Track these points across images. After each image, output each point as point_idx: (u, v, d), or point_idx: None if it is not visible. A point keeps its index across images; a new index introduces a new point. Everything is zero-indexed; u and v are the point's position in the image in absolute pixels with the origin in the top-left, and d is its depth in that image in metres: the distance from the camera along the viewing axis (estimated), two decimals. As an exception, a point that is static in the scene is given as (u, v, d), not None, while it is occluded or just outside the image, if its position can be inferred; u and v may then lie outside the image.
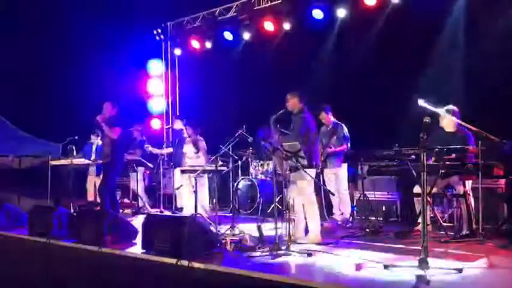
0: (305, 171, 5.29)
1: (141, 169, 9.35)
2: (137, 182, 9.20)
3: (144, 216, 5.68)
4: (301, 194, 5.61)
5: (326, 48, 9.16)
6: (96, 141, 9.40)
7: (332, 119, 7.35)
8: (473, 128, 5.59)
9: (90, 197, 9.45)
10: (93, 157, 9.23)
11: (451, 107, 5.93)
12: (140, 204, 9.13)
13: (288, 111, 5.84)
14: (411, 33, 7.92)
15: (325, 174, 7.32)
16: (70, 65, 12.05)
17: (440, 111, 5.57)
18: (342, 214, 7.20)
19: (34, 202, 8.77)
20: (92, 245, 5.43)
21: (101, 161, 7.61)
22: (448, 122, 5.95)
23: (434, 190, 5.75)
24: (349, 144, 7.22)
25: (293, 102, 5.83)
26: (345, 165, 7.23)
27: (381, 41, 8.37)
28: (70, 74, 12.11)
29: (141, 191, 9.36)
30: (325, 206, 7.87)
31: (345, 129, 7.25)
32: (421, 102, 4.86)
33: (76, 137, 9.04)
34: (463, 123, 5.72)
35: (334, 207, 7.39)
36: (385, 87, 8.11)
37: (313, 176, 5.68)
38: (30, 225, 6.62)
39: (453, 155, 5.58)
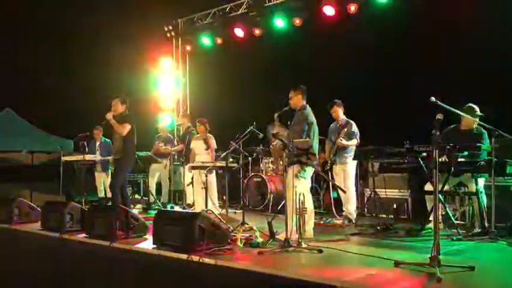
0: (316, 168, 5.27)
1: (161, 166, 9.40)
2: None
3: (155, 211, 5.71)
4: (305, 190, 5.57)
5: (337, 44, 9.11)
6: (98, 137, 9.44)
7: (342, 115, 7.30)
8: (487, 126, 5.55)
9: (100, 193, 9.54)
10: (97, 154, 9.28)
11: (472, 105, 5.88)
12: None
13: (291, 108, 5.82)
14: (423, 29, 7.86)
15: (334, 170, 7.27)
16: (80, 61, 12.15)
17: (460, 112, 5.49)
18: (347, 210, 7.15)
19: (46, 197, 8.87)
20: (104, 240, 5.47)
21: (112, 157, 7.64)
22: (468, 121, 5.90)
23: (446, 188, 5.71)
24: (358, 139, 7.15)
25: (296, 100, 5.82)
26: (354, 162, 7.17)
27: (393, 37, 8.32)
28: (80, 70, 12.21)
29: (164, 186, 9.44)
30: (334, 203, 7.87)
31: (355, 126, 7.19)
32: (432, 99, 4.82)
33: (87, 133, 9.11)
34: (481, 123, 5.69)
35: (344, 204, 7.35)
36: (396, 83, 8.07)
37: (311, 173, 5.68)
38: (42, 220, 6.71)
39: (466, 153, 5.53)
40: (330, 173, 7.37)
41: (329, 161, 7.21)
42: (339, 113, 7.25)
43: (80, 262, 5.67)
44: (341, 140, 7.02)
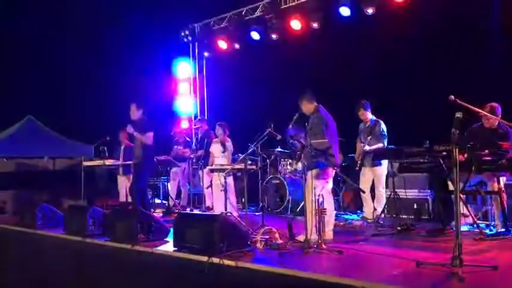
0: (335, 169, 5.26)
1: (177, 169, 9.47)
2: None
3: (176, 214, 5.77)
4: (326, 191, 5.56)
5: (354, 46, 9.06)
6: (124, 140, 9.49)
7: (370, 116, 7.26)
8: (508, 123, 5.48)
9: (122, 197, 9.62)
10: (121, 158, 9.36)
11: (492, 104, 5.81)
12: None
13: (304, 113, 5.86)
14: (442, 27, 7.78)
15: (362, 171, 7.23)
16: (98, 67, 12.33)
17: (481, 111, 5.42)
18: (375, 210, 7.11)
19: (69, 202, 9.01)
20: (125, 243, 5.55)
21: (133, 162, 7.72)
22: (489, 119, 5.83)
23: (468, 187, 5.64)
24: (385, 142, 7.09)
25: (306, 106, 5.86)
26: (384, 163, 7.07)
27: (410, 36, 8.24)
28: (99, 76, 12.39)
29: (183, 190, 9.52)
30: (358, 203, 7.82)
31: (383, 126, 7.14)
32: (451, 98, 4.77)
33: (108, 138, 9.19)
34: (503, 121, 5.62)
35: (364, 205, 7.31)
36: (415, 82, 8.00)
37: (332, 174, 5.68)
38: (65, 224, 6.82)
39: (486, 151, 5.46)
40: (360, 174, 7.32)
41: (358, 162, 7.18)
42: (366, 115, 7.24)
43: (102, 265, 5.75)
44: (364, 146, 7.01)
